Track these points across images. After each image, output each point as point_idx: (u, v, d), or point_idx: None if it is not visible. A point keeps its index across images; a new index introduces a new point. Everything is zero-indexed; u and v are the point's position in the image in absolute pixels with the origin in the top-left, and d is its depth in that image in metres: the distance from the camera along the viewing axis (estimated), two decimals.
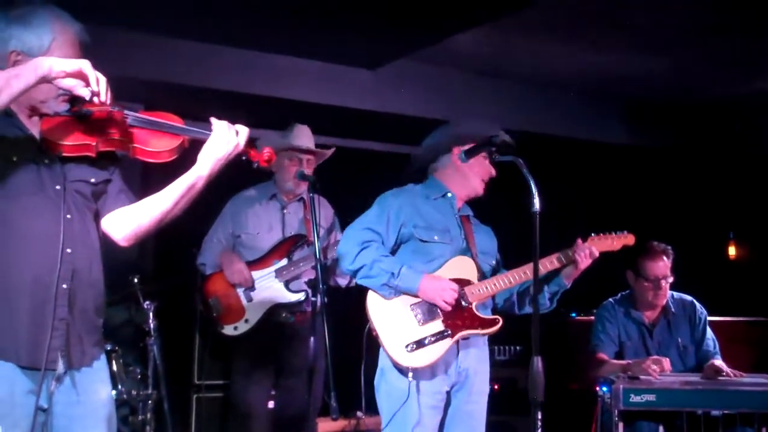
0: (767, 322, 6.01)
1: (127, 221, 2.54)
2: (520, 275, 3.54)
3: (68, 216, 2.39)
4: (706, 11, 4.76)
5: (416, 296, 3.46)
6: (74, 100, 2.37)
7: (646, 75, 5.98)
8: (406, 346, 3.39)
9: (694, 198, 6.96)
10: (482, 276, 3.59)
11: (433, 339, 3.41)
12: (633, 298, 4.67)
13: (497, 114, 6.10)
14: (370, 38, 5.20)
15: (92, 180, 2.49)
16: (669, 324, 4.59)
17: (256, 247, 4.50)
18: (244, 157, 2.58)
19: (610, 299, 4.75)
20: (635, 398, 3.97)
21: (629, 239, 3.73)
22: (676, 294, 4.69)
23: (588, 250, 3.55)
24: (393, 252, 3.58)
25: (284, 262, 4.43)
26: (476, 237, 3.70)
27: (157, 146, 2.47)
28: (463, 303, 3.48)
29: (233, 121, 2.57)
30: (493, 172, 3.67)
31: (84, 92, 2.28)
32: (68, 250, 2.36)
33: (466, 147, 3.62)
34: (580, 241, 3.59)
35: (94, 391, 2.45)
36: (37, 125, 2.41)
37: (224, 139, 2.47)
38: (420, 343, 3.40)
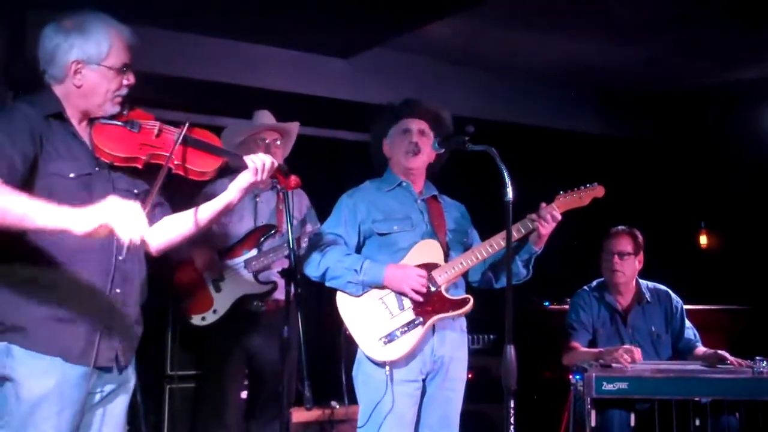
0: (737, 310, 6.09)
1: (163, 235, 2.72)
2: (486, 250, 3.50)
3: None
4: (680, 1, 4.78)
5: (384, 288, 3.45)
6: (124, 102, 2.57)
7: (619, 65, 6.00)
8: (379, 340, 3.39)
9: (666, 187, 7.01)
10: (451, 256, 3.57)
11: (405, 329, 3.41)
12: (606, 284, 4.71)
13: (471, 103, 6.12)
14: (344, 27, 5.18)
15: (135, 191, 2.62)
16: (643, 311, 4.63)
17: (227, 237, 4.46)
18: (274, 181, 2.82)
19: (585, 287, 4.79)
20: (608, 386, 4.00)
21: (598, 191, 3.62)
22: (650, 283, 4.74)
23: (549, 215, 3.47)
24: (359, 250, 3.59)
25: (254, 252, 4.40)
26: (446, 215, 3.69)
27: (201, 166, 2.61)
28: (432, 287, 3.46)
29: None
30: (416, 138, 3.61)
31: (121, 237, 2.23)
32: (120, 258, 2.50)
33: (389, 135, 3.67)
34: (543, 204, 3.52)
35: (129, 380, 2.68)
36: (87, 130, 2.55)
37: (258, 173, 2.67)
38: (392, 336, 3.40)
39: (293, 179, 2.87)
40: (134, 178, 2.64)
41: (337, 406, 4.96)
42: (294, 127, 4.66)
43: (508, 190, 2.94)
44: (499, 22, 5.18)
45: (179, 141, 2.53)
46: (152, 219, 2.68)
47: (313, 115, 6.12)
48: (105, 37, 2.54)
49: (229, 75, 5.36)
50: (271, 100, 5.52)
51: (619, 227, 4.73)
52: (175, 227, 2.74)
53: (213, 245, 4.44)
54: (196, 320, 4.38)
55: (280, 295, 4.22)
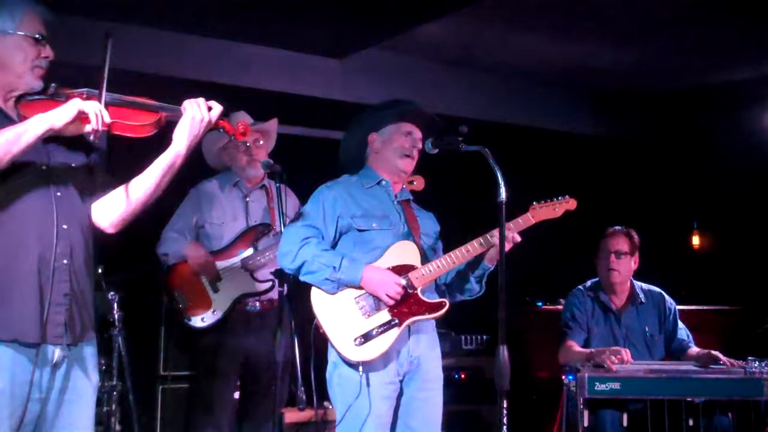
0: (730, 310, 6.10)
1: (113, 208, 2.64)
2: (462, 253, 3.47)
3: (58, 194, 2.49)
4: (674, 2, 4.79)
5: (360, 288, 3.42)
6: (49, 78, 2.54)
7: (613, 65, 6.02)
8: (354, 340, 3.35)
9: (658, 188, 7.03)
10: (425, 259, 3.54)
11: (380, 330, 3.37)
12: (601, 284, 4.73)
13: (465, 104, 6.13)
14: (337, 27, 5.18)
15: (72, 164, 2.59)
16: (637, 311, 4.64)
17: (221, 237, 4.44)
18: (221, 130, 2.71)
19: (580, 286, 4.79)
20: (600, 386, 4.01)
21: (570, 204, 3.61)
22: (644, 285, 4.75)
23: (510, 235, 3.41)
24: (334, 244, 3.53)
25: (250, 251, 4.39)
26: (419, 220, 3.66)
27: (136, 120, 2.57)
28: (408, 289, 3.43)
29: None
30: (418, 145, 3.57)
31: (89, 128, 2.39)
32: (64, 226, 2.46)
33: (393, 131, 3.59)
34: (509, 224, 3.46)
35: (86, 376, 2.58)
36: (14, 111, 2.51)
37: (197, 116, 2.60)
38: (368, 336, 3.35)
39: (241, 125, 2.79)
40: (69, 151, 2.59)
41: (330, 407, 4.95)
42: (272, 125, 4.63)
43: (501, 190, 2.94)
44: (493, 23, 5.19)
45: (103, 95, 2.50)
46: (103, 189, 2.65)
47: (306, 115, 6.12)
48: (18, 8, 2.51)
49: (222, 75, 5.35)
50: (265, 100, 5.52)
51: (616, 227, 4.74)
52: (127, 196, 2.62)
53: (207, 246, 4.43)
54: (196, 321, 4.35)
55: (273, 294, 4.21)
